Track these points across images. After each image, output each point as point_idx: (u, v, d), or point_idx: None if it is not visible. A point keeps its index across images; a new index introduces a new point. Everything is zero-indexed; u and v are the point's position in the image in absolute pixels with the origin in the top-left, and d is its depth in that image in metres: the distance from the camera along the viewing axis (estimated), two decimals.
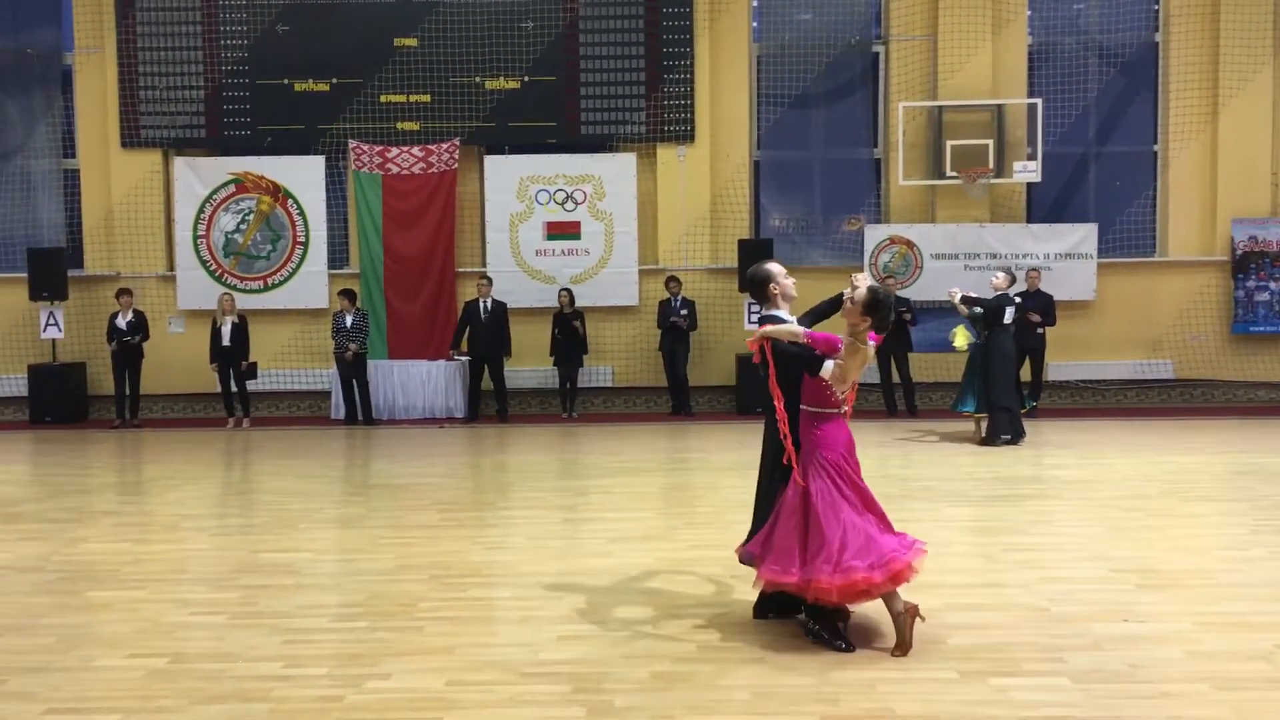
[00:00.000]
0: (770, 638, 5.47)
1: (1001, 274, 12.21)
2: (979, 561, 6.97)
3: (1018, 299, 12.29)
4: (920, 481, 9.92)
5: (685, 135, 15.26)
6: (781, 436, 5.53)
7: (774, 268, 5.89)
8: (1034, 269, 14.55)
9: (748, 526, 5.97)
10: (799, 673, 4.98)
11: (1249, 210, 15.28)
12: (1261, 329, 15.42)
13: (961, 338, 12.32)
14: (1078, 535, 7.67)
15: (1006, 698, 4.64)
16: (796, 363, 5.52)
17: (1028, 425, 12.47)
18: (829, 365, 5.44)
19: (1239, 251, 15.30)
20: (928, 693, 4.72)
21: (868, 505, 5.48)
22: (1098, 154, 15.90)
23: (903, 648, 5.20)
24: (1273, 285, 15.36)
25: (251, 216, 15.43)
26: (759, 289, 5.84)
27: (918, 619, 5.28)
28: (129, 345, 14.48)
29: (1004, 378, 11.97)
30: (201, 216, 15.39)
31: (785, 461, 5.54)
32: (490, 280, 14.83)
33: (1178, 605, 5.95)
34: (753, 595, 5.81)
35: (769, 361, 5.57)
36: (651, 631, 5.60)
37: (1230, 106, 15.16)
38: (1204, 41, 15.26)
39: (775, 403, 5.56)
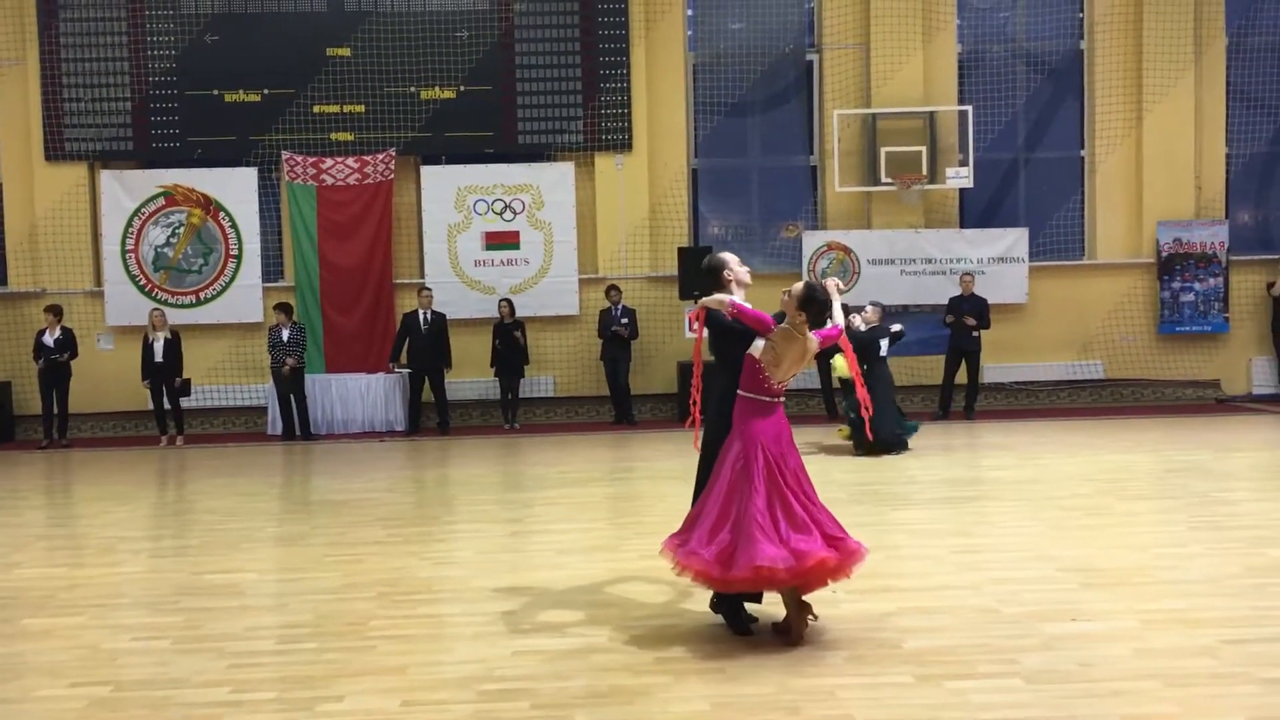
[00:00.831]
0: (727, 646, 5.47)
1: (870, 308, 12.13)
2: (927, 564, 7.04)
3: (895, 328, 12.03)
4: (864, 485, 10.00)
5: (623, 144, 15.27)
6: (692, 395, 5.92)
7: (727, 256, 5.96)
8: (968, 273, 14.77)
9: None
10: (757, 682, 4.98)
11: (1173, 213, 15.66)
12: (1187, 329, 15.80)
13: (842, 369, 11.98)
14: (1021, 536, 7.78)
15: (964, 700, 4.68)
16: (730, 334, 5.65)
17: (965, 428, 12.65)
18: (759, 343, 5.58)
19: (1164, 253, 15.67)
20: (887, 698, 4.75)
21: (785, 500, 5.49)
22: (1027, 159, 16.19)
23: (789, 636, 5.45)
24: (1197, 286, 15.74)
25: (182, 230, 15.14)
26: (713, 277, 5.88)
27: (810, 618, 5.49)
28: (56, 363, 14.11)
29: (886, 406, 11.44)
30: (130, 230, 15.08)
31: (688, 425, 5.83)
32: (430, 291, 14.70)
33: (1122, 603, 6.05)
34: (689, 595, 5.84)
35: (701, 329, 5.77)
36: (607, 644, 5.57)
37: (1154, 112, 15.53)
38: (1128, 49, 15.62)
39: (695, 363, 5.90)
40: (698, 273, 14.29)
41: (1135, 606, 5.96)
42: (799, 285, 5.62)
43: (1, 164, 15.25)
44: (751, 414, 5.62)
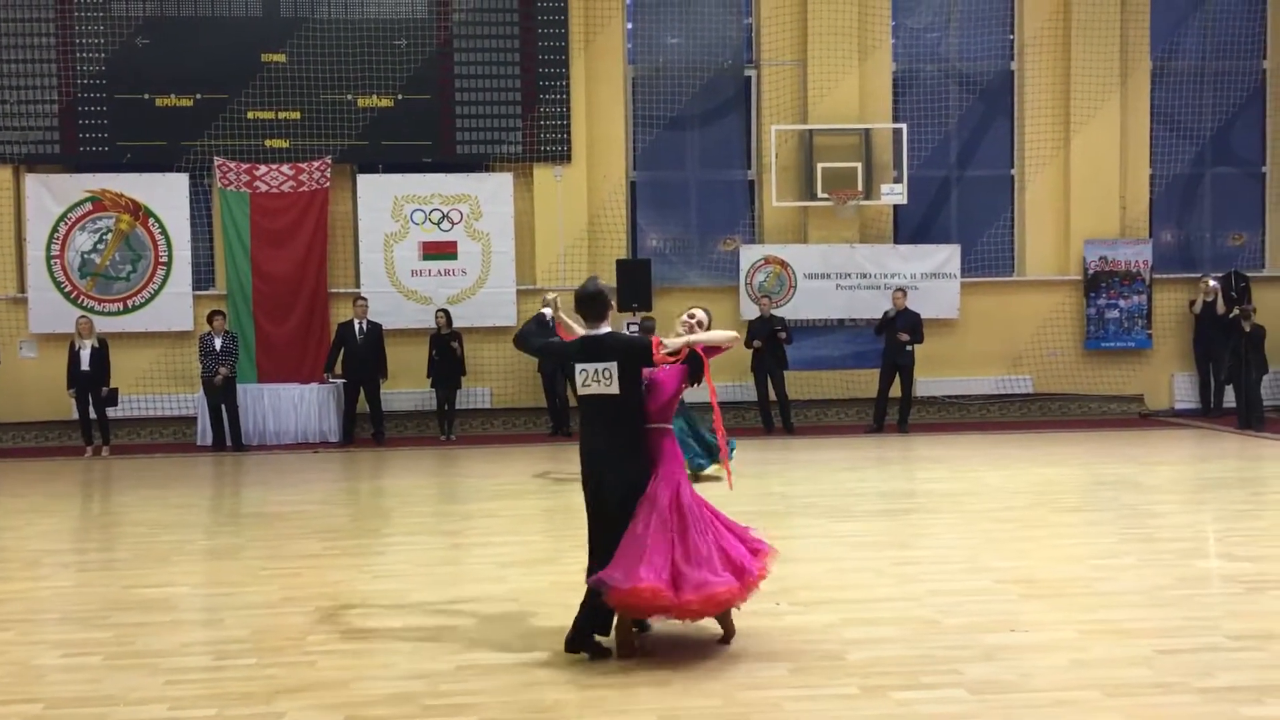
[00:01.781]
0: (672, 659, 5.46)
1: (638, 319, 11.64)
2: (869, 576, 7.10)
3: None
4: (802, 498, 10.08)
5: (562, 155, 15.25)
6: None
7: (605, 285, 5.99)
8: (901, 288, 14.97)
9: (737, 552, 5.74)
10: (705, 694, 4.98)
11: (1100, 232, 16.03)
12: (1112, 344, 16.17)
13: None
14: (958, 547, 7.89)
15: (910, 711, 4.73)
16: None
17: (899, 441, 12.77)
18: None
19: (1091, 271, 16.03)
20: (833, 709, 4.78)
21: (683, 531, 5.46)
22: (959, 177, 16.48)
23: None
24: (1122, 303, 16.12)
25: (110, 236, 14.81)
26: (604, 307, 5.75)
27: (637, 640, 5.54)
28: None
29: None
30: (55, 236, 14.71)
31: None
32: (366, 300, 14.54)
33: (1060, 614, 6.16)
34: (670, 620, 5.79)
35: (704, 364, 5.75)
36: (552, 657, 5.53)
37: (1081, 133, 15.89)
38: (1056, 71, 15.98)
39: (713, 400, 6.04)
40: (635, 286, 14.37)
41: (1072, 617, 6.07)
42: (701, 312, 5.94)
43: None
44: (665, 441, 5.68)
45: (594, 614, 5.51)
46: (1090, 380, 16.20)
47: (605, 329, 5.71)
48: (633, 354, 5.57)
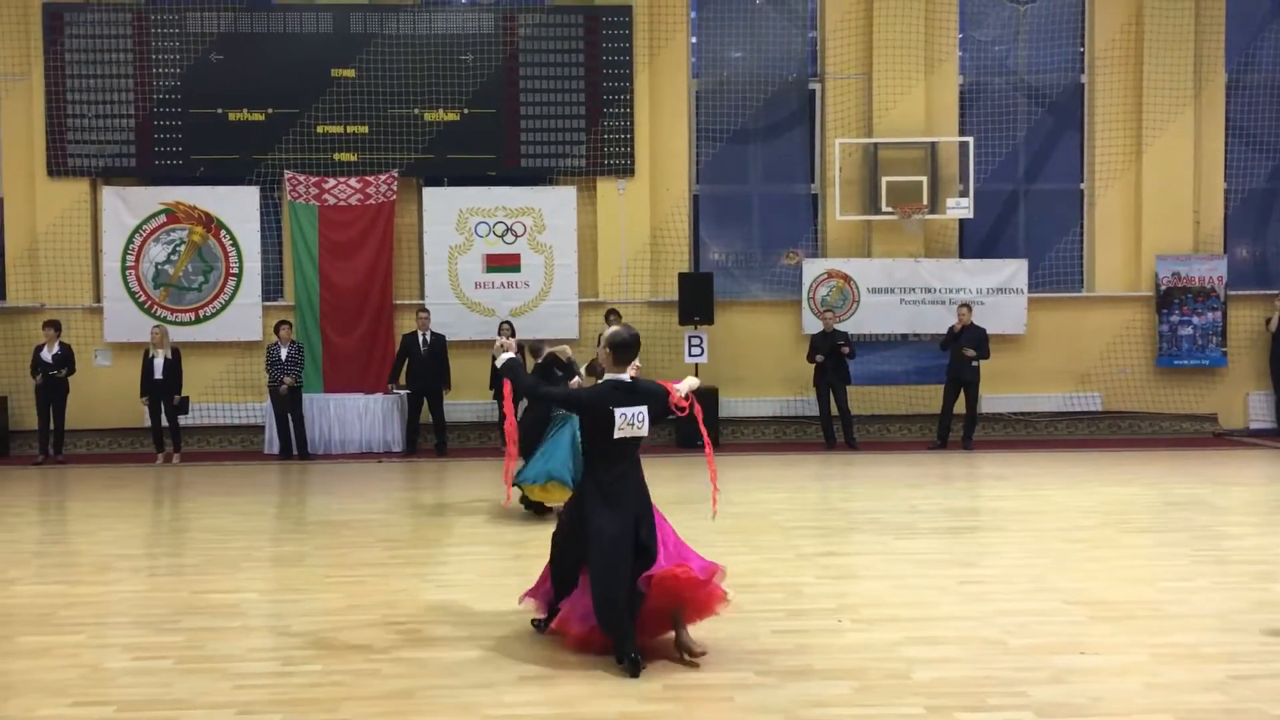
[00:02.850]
0: (736, 675, 5.43)
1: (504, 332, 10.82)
2: (933, 594, 7.01)
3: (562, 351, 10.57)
4: (864, 514, 9.98)
5: (625, 169, 15.30)
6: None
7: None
8: (966, 304, 14.80)
9: (697, 562, 6.06)
10: (767, 711, 4.95)
11: (1172, 247, 15.73)
12: (1185, 362, 15.83)
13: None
14: (1026, 567, 7.76)
15: None
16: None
17: (963, 458, 12.60)
18: None
19: (1163, 287, 15.73)
20: None
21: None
22: (1027, 191, 16.27)
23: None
24: (1195, 320, 15.79)
25: (183, 247, 15.12)
26: (637, 353, 6.04)
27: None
28: (54, 379, 14.04)
29: (530, 447, 9.92)
30: (131, 247, 15.05)
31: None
32: (429, 312, 14.69)
33: (1131, 637, 6.03)
34: (704, 629, 5.81)
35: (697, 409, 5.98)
36: (614, 671, 5.53)
37: (1154, 146, 15.62)
38: (1128, 83, 15.73)
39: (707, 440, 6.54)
40: (697, 300, 14.39)
41: (1144, 640, 5.94)
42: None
43: (3, 179, 15.23)
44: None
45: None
46: (1162, 398, 15.87)
47: (629, 374, 5.94)
48: (658, 400, 5.88)
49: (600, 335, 6.19)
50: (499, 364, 6.18)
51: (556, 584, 6.03)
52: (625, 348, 5.93)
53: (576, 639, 5.75)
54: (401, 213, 15.34)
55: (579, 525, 5.79)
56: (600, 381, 6.07)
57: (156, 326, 14.31)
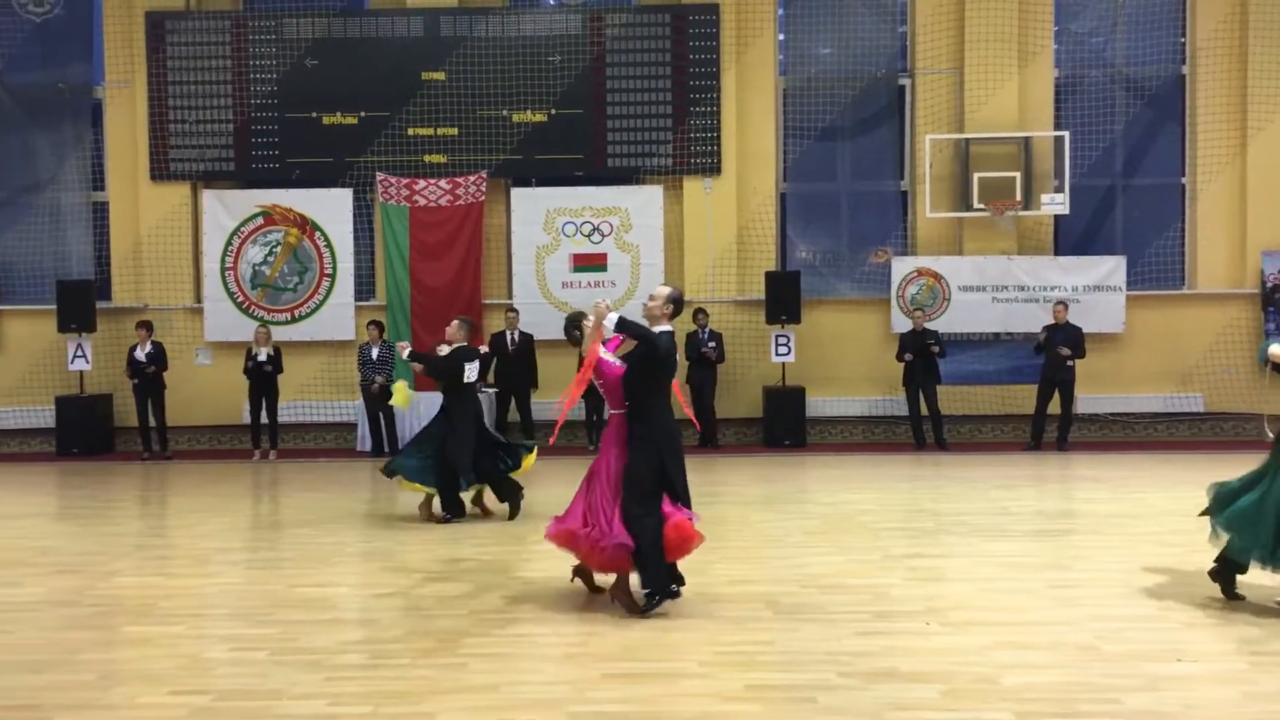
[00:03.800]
0: (818, 675, 5.39)
1: (456, 323, 10.38)
2: (1023, 598, 6.88)
3: (483, 350, 10.68)
4: (954, 516, 9.82)
5: (712, 168, 15.28)
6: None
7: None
8: (1062, 301, 14.48)
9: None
10: (853, 713, 4.90)
11: (1278, 243, 15.19)
12: None
13: (401, 395, 10.57)
14: (1119, 571, 7.57)
15: None
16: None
17: (1058, 459, 12.32)
18: None
19: (1268, 284, 15.20)
20: None
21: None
22: (1125, 186, 15.84)
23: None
24: None
25: (279, 249, 15.49)
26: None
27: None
28: (149, 377, 14.49)
29: (463, 447, 9.81)
30: (229, 248, 15.47)
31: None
32: (517, 312, 14.84)
33: (1229, 644, 5.85)
34: (783, 631, 5.77)
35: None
36: (697, 669, 5.53)
37: (1259, 139, 15.10)
38: (1231, 74, 15.23)
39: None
40: (784, 298, 14.35)
41: (1243, 648, 5.76)
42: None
43: (109, 183, 15.76)
44: None
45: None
46: (1268, 399, 15.31)
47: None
48: None
49: (654, 293, 6.95)
50: (608, 323, 6.79)
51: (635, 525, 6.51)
52: (680, 301, 6.88)
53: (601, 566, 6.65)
54: (490, 213, 15.51)
55: (658, 465, 6.56)
56: (662, 332, 6.69)
57: (261, 326, 14.67)
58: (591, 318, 6.87)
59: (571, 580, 7.14)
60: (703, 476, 12.53)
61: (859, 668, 5.49)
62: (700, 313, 14.74)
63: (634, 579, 6.59)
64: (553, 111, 15.33)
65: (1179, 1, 15.55)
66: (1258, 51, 15.02)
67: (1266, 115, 15.05)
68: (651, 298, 6.91)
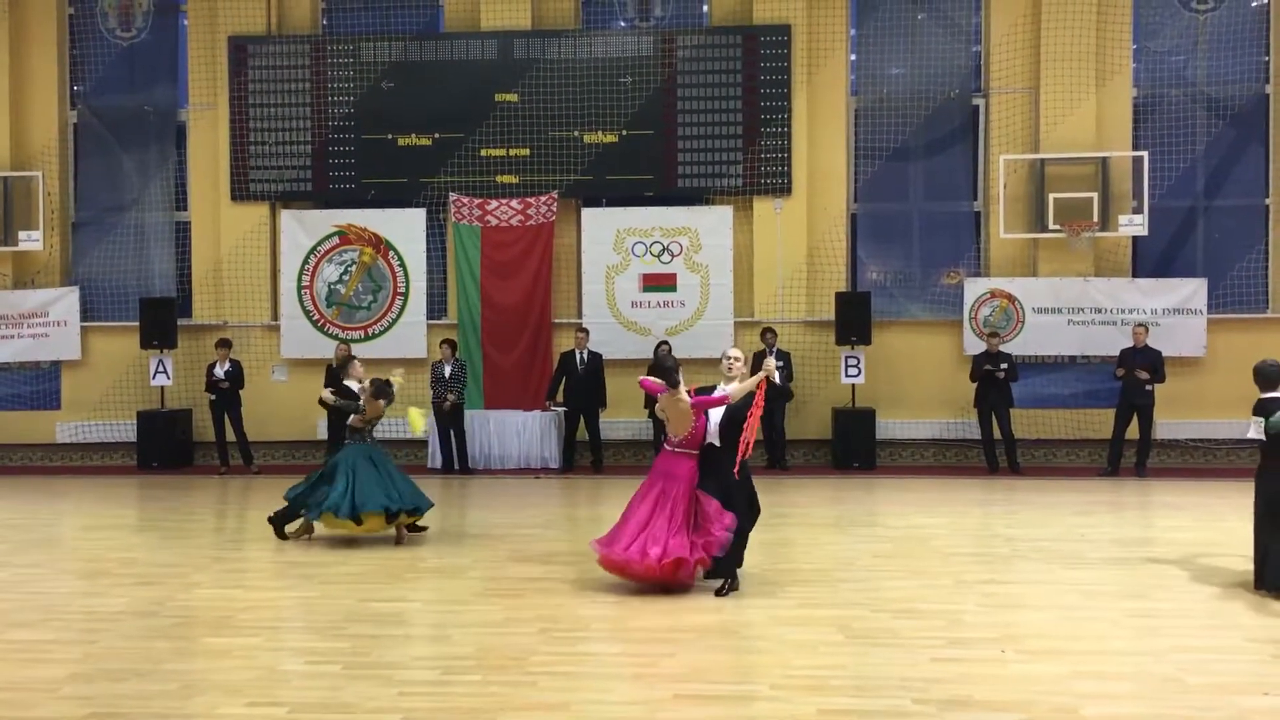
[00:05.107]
0: (892, 702, 5.32)
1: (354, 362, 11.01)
2: (1103, 626, 6.73)
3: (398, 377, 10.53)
4: (1029, 542, 9.65)
5: (782, 188, 15.24)
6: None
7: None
8: (1141, 324, 14.20)
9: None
10: None
11: None
12: None
13: (418, 419, 10.58)
14: (1203, 601, 7.39)
15: None
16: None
17: (1136, 486, 12.03)
18: (657, 407, 8.35)
19: None
20: None
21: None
22: (1206, 207, 15.50)
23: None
24: None
25: (354, 268, 15.74)
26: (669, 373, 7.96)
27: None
28: (225, 393, 14.75)
29: (378, 481, 9.81)
30: (306, 267, 15.75)
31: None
32: (587, 331, 14.91)
33: None
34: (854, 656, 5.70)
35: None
36: (769, 692, 5.49)
37: None
38: None
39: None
40: (854, 320, 14.27)
41: None
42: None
43: (191, 203, 16.14)
44: (662, 458, 8.02)
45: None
46: None
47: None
48: None
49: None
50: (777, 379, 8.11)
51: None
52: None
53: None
54: (560, 233, 15.62)
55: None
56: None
57: (342, 344, 14.88)
58: (763, 372, 7.78)
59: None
60: (771, 498, 12.37)
61: (934, 694, 5.41)
62: (769, 332, 14.64)
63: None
64: (624, 132, 15.42)
65: (1262, 20, 15.22)
66: None
67: None
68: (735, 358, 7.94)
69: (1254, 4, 15.27)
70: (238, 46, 15.74)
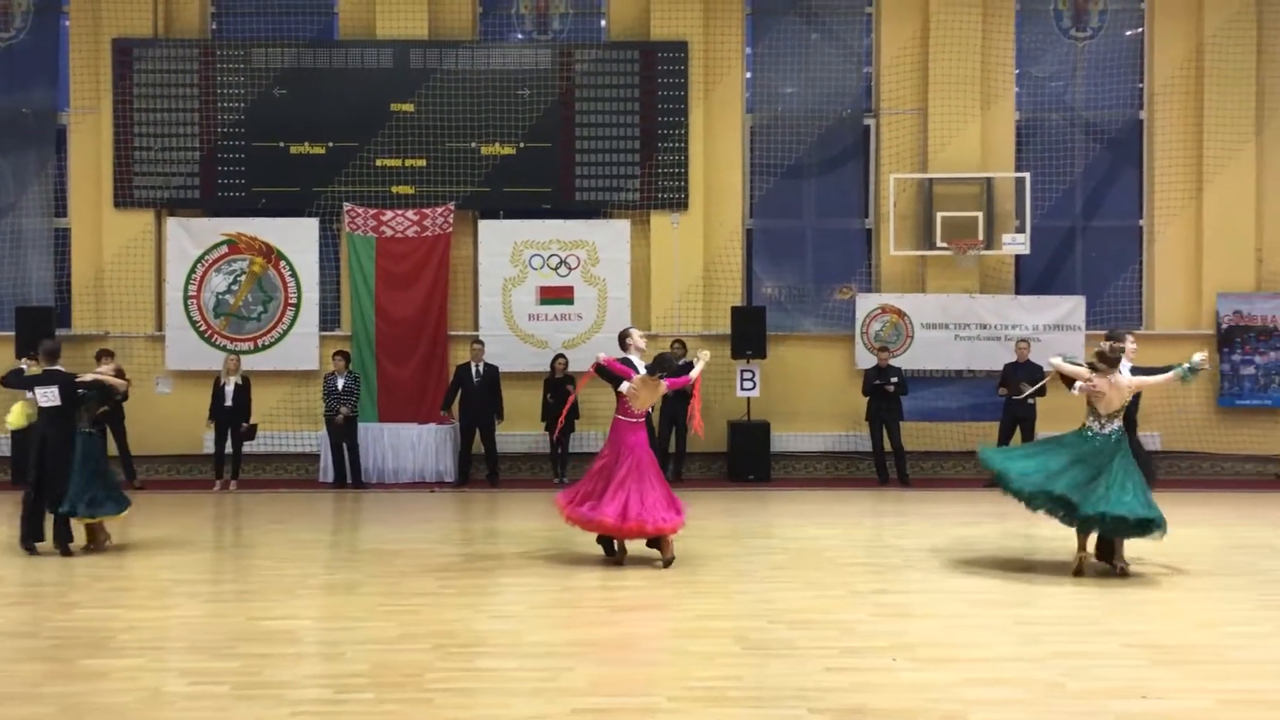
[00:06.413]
0: (790, 713, 5.38)
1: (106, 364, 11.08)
2: (989, 634, 6.92)
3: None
4: (918, 552, 9.87)
5: (679, 203, 15.37)
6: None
7: (632, 329, 9.86)
8: (1024, 340, 14.66)
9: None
10: None
11: (1234, 285, 15.48)
12: (1247, 402, 15.54)
13: (20, 415, 10.33)
14: (1083, 608, 7.64)
15: None
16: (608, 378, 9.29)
17: None
18: (624, 386, 9.10)
19: (1224, 325, 15.47)
20: None
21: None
22: (1085, 228, 16.10)
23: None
24: (1258, 359, 15.51)
25: (243, 277, 15.38)
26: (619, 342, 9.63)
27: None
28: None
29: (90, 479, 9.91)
30: (193, 277, 15.34)
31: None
32: (483, 344, 14.81)
33: (1194, 682, 5.90)
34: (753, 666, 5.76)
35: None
36: (667, 705, 5.50)
37: (1215, 182, 15.42)
38: (1188, 119, 15.56)
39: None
40: (749, 334, 14.44)
41: (1207, 686, 5.82)
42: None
43: (71, 209, 15.60)
44: (624, 430, 9.09)
45: None
46: (1223, 439, 15.56)
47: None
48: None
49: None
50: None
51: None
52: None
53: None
54: (457, 245, 15.50)
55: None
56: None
57: (230, 355, 14.52)
58: (703, 360, 9.48)
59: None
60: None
61: (829, 704, 5.49)
62: (678, 344, 14.63)
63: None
64: (521, 144, 15.38)
65: (1137, 48, 15.90)
66: (1214, 97, 15.37)
67: (1222, 160, 15.38)
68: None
69: (1129, 33, 15.95)
70: (122, 49, 15.28)
